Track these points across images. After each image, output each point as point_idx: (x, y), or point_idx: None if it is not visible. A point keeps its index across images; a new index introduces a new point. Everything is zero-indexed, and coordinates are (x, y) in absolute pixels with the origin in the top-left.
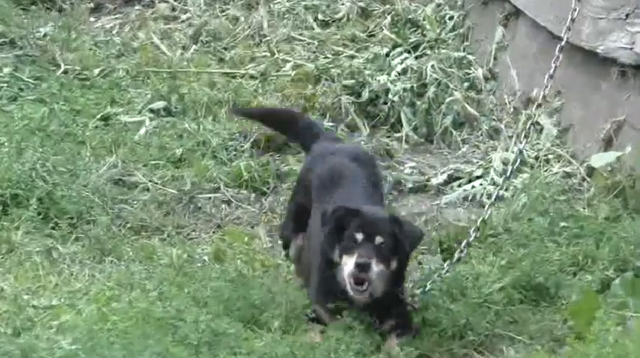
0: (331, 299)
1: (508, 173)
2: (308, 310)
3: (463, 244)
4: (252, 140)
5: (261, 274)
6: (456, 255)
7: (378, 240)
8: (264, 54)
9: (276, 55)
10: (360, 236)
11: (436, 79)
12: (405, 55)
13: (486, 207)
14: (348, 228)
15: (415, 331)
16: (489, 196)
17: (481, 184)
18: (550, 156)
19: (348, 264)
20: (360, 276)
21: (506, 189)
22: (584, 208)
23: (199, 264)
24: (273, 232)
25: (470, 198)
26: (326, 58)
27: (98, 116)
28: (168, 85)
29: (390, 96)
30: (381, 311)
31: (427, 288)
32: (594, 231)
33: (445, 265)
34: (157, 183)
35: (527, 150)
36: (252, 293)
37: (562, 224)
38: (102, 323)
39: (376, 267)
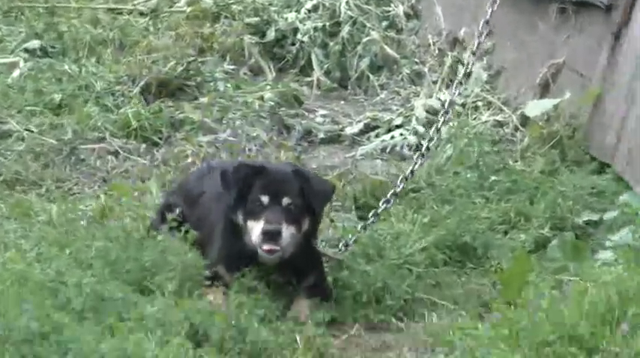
0: (236, 263)
1: (440, 123)
2: (205, 271)
3: (389, 194)
4: (141, 84)
5: (152, 233)
6: (382, 205)
7: (286, 201)
8: None
9: None
10: (265, 198)
11: (351, 17)
12: None
13: (414, 159)
14: (252, 189)
15: (329, 293)
16: (410, 147)
17: (401, 134)
18: (479, 103)
19: (255, 230)
20: (269, 245)
21: (429, 140)
22: (516, 161)
23: (82, 222)
24: (166, 187)
25: (388, 149)
26: None
27: None
28: (45, 22)
29: (299, 36)
30: (295, 271)
31: (352, 240)
32: (528, 185)
33: (371, 217)
34: (33, 132)
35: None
36: (143, 254)
37: (492, 178)
38: None
39: (286, 231)
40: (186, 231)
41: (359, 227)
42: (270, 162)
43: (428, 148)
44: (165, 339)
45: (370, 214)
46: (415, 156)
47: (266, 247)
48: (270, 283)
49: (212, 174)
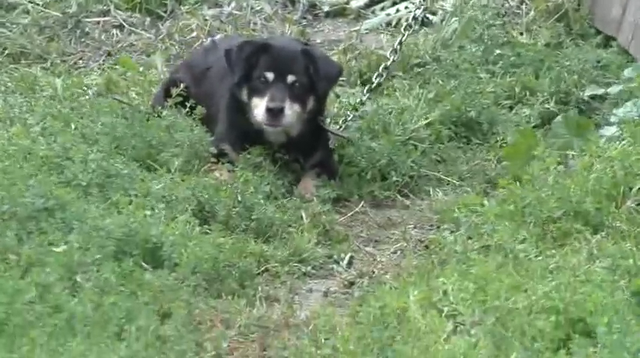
0: (242, 141)
1: None
2: (211, 147)
3: (381, 68)
4: None
5: (156, 108)
6: (375, 80)
7: (291, 79)
8: None
9: None
10: (270, 75)
11: None
12: None
13: (402, 30)
14: (257, 66)
15: (335, 171)
16: (416, 21)
17: (407, 7)
18: None
19: (259, 107)
20: (273, 123)
21: (434, 13)
22: (522, 34)
23: (88, 96)
24: (171, 61)
25: (394, 23)
26: None
27: None
28: None
29: None
30: (302, 150)
31: (349, 118)
32: (533, 59)
33: (365, 92)
34: (37, 5)
35: None
36: (149, 130)
37: (497, 52)
38: None
39: (290, 110)
40: (192, 107)
41: (357, 102)
42: (277, 38)
43: (415, 18)
44: (171, 216)
45: (365, 89)
46: (402, 27)
47: (269, 122)
48: (276, 161)
49: (217, 50)
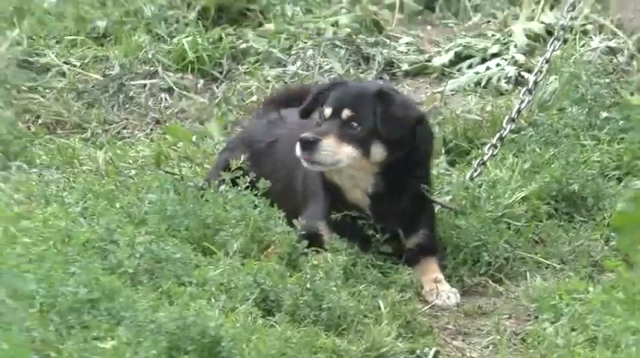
0: (332, 210)
1: (550, 52)
2: (302, 230)
3: (495, 138)
4: (198, 9)
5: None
6: (487, 152)
7: (346, 113)
8: None
9: None
10: (328, 111)
11: None
12: None
13: (521, 96)
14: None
15: (443, 255)
16: (509, 80)
17: (498, 65)
18: (588, 27)
19: None
20: (304, 156)
21: (529, 71)
22: (632, 94)
23: (134, 171)
24: (228, 129)
25: (483, 82)
26: None
27: None
28: None
29: None
30: (398, 220)
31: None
32: None
33: (477, 167)
34: (74, 66)
35: (559, 19)
36: (204, 207)
37: (603, 114)
38: (9, 246)
39: (338, 148)
40: (252, 182)
41: (465, 177)
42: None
43: (536, 83)
44: (230, 306)
45: (476, 163)
46: (522, 93)
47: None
48: (366, 239)
49: (283, 122)
